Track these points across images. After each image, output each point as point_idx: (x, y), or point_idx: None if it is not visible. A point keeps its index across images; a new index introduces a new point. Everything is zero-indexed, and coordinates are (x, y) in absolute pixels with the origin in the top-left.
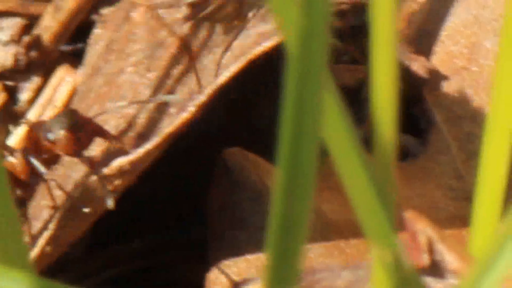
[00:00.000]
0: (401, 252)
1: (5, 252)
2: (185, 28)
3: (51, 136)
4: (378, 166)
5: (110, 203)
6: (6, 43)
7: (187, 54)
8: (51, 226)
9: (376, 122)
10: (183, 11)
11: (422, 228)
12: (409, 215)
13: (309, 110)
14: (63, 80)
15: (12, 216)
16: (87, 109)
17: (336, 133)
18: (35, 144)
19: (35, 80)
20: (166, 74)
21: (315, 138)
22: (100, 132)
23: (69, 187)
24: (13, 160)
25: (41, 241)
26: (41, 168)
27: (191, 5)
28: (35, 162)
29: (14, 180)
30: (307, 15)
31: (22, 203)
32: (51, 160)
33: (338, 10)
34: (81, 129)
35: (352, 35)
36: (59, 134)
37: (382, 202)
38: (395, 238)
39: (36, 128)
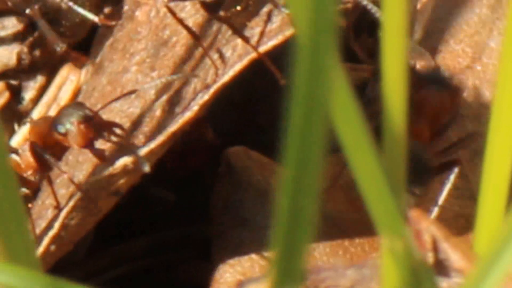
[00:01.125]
0: (411, 242)
1: (12, 250)
2: (192, 25)
3: (61, 128)
4: (388, 157)
5: (146, 167)
6: (9, 42)
7: (199, 44)
8: (56, 225)
9: (387, 114)
10: (189, 10)
11: (427, 227)
12: (414, 214)
13: (316, 107)
14: (67, 79)
15: (19, 214)
16: (91, 108)
17: (347, 124)
18: (41, 140)
19: (39, 79)
20: (170, 73)
21: (322, 135)
22: (110, 123)
23: (73, 186)
24: (17, 158)
25: (46, 240)
26: (51, 159)
27: (203, 4)
28: (46, 155)
29: (18, 179)
30: (315, 11)
31: (27, 201)
32: (56, 157)
33: (342, 9)
34: (92, 120)
35: (356, 34)
36: (70, 125)
37: (393, 193)
38: (405, 228)
39: (44, 123)
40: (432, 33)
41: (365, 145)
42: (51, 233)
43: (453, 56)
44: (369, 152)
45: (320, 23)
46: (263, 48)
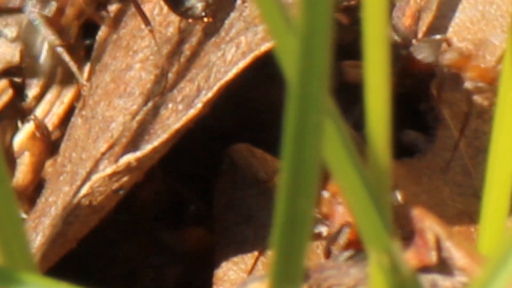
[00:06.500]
0: (398, 256)
1: (10, 254)
2: (193, 25)
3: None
4: (373, 170)
5: None
6: (13, 40)
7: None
8: (59, 223)
9: (370, 126)
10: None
11: (430, 225)
12: (417, 212)
13: (313, 108)
14: (71, 77)
15: (15, 218)
16: (94, 105)
17: (330, 139)
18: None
19: (43, 77)
20: (173, 71)
21: (319, 136)
22: None
23: (77, 183)
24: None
25: (50, 238)
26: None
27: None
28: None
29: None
30: (309, 14)
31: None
32: None
33: (345, 6)
34: None
35: (359, 31)
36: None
37: (378, 206)
38: (392, 242)
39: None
40: (436, 30)
41: (351, 161)
42: (55, 230)
43: None
44: (355, 169)
45: (314, 28)
46: (268, 46)
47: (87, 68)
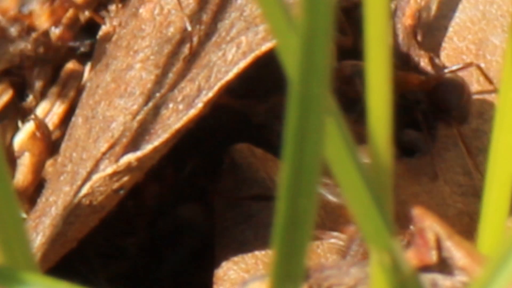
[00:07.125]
0: (400, 255)
1: (10, 254)
2: (193, 24)
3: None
4: (374, 169)
5: None
6: (14, 39)
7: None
8: (60, 222)
9: (371, 125)
10: (193, 8)
11: (430, 225)
12: (417, 212)
13: (314, 108)
14: (71, 77)
15: (16, 217)
16: (95, 105)
17: (331, 139)
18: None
19: (43, 77)
20: (174, 71)
21: (320, 135)
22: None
23: (77, 183)
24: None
25: (50, 238)
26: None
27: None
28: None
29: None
30: (311, 14)
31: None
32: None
33: (345, 7)
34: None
35: (358, 31)
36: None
37: (379, 206)
38: (393, 241)
39: None
40: (436, 30)
41: (352, 161)
42: (55, 230)
43: (457, 53)
44: (356, 169)
45: (315, 27)
46: (269, 45)
47: (87, 67)
